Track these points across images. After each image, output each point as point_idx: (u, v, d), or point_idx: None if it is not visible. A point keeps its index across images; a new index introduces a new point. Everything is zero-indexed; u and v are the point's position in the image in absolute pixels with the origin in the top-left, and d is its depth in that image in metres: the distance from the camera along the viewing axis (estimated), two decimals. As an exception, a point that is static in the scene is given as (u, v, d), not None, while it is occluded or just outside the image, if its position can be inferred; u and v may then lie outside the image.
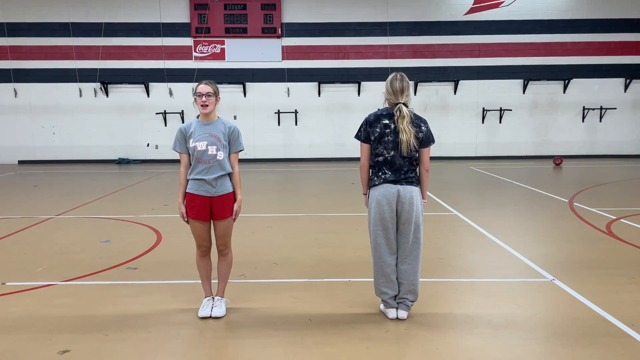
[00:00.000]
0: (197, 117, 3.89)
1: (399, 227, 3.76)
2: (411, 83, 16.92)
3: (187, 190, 3.85)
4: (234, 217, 3.93)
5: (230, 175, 3.88)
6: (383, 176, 3.73)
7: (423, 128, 3.74)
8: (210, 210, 3.84)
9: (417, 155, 3.79)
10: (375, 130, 3.70)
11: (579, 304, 4.12)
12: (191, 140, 3.77)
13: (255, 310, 4.06)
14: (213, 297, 4.01)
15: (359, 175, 4.02)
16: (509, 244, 5.97)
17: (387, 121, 3.68)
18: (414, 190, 3.73)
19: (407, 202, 3.69)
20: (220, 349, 3.45)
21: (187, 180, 3.86)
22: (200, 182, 3.78)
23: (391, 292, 3.82)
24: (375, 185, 3.77)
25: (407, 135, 3.63)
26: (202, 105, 3.78)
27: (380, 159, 3.74)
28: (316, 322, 3.83)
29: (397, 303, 3.86)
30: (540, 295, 4.38)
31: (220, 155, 3.77)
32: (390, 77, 3.76)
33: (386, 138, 3.68)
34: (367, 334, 3.60)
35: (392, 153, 3.69)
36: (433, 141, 3.83)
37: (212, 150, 3.75)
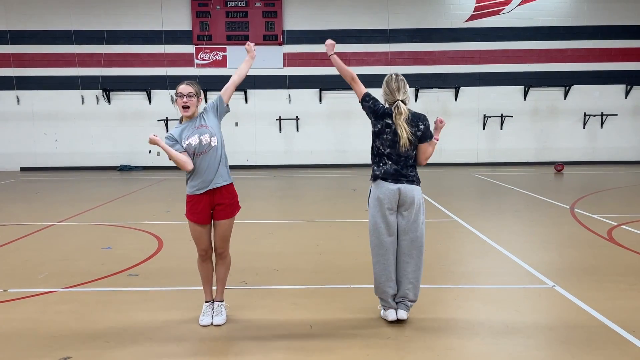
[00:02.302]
0: (180, 122, 3.83)
1: (399, 226, 3.80)
2: (412, 90, 17.11)
3: (188, 192, 3.82)
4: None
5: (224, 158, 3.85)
6: (384, 167, 3.80)
7: (421, 126, 3.81)
8: (211, 213, 3.83)
9: (415, 153, 3.84)
10: (377, 125, 3.80)
11: (579, 310, 4.12)
12: (184, 141, 3.72)
13: (256, 316, 4.06)
14: (213, 302, 4.00)
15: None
16: (509, 251, 5.97)
17: (389, 120, 3.77)
18: (415, 189, 3.79)
19: (408, 201, 3.75)
20: (221, 356, 3.45)
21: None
22: (200, 177, 3.73)
23: (391, 291, 3.84)
24: (377, 177, 3.81)
25: (404, 132, 3.69)
26: (183, 107, 3.72)
27: (382, 152, 3.83)
28: (317, 328, 3.83)
29: (397, 303, 3.87)
30: (541, 301, 4.37)
31: (215, 140, 3.74)
32: (386, 78, 3.90)
33: (385, 136, 3.78)
34: (368, 341, 3.60)
35: (388, 150, 3.78)
36: (431, 137, 3.89)
37: (205, 138, 3.70)
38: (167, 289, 4.75)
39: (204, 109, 3.89)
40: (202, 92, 3.89)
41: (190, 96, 3.72)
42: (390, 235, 3.80)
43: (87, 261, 5.70)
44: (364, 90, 3.96)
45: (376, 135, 3.83)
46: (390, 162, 3.78)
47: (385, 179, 3.77)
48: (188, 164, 3.70)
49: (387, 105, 3.87)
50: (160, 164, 17.13)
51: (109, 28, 16.59)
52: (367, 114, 3.92)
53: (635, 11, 16.85)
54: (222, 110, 3.93)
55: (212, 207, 3.81)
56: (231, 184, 3.90)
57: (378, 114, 3.82)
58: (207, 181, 3.75)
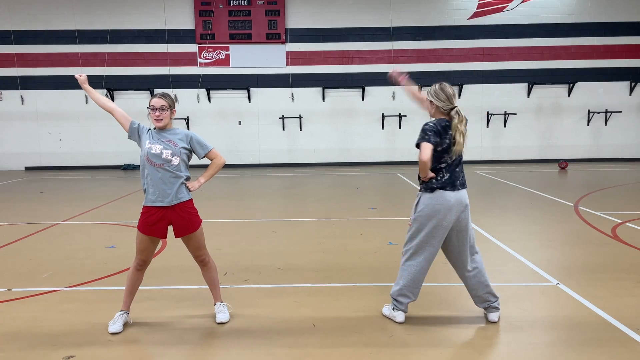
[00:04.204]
0: (154, 128, 3.80)
1: (456, 234, 3.74)
2: (415, 88, 17.08)
3: (144, 204, 3.71)
4: (190, 189, 3.75)
5: (185, 180, 3.75)
6: (442, 179, 3.72)
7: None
8: (167, 227, 3.71)
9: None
10: (445, 142, 3.66)
11: (583, 308, 4.11)
12: (148, 142, 3.69)
13: (259, 315, 4.06)
14: (126, 313, 3.85)
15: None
16: (513, 248, 5.96)
17: (451, 132, 3.68)
18: (465, 192, 3.79)
19: (463, 209, 3.72)
20: (224, 354, 3.46)
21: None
22: (153, 191, 3.64)
23: (412, 298, 3.84)
24: (434, 188, 3.71)
25: (462, 138, 3.65)
26: (155, 120, 3.69)
27: (443, 165, 3.73)
28: (320, 327, 3.83)
29: (485, 308, 3.87)
30: (545, 299, 4.36)
31: (176, 160, 3.67)
32: (435, 87, 3.72)
33: (451, 148, 3.69)
34: (371, 339, 3.60)
35: (453, 158, 3.72)
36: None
37: (167, 154, 3.64)
38: (170, 287, 4.77)
39: (190, 134, 3.79)
40: (175, 104, 3.85)
41: (163, 109, 3.69)
42: (435, 246, 3.74)
43: (90, 260, 5.72)
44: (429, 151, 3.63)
45: (444, 151, 3.68)
46: (448, 174, 3.72)
47: (443, 188, 3.69)
48: (114, 111, 3.96)
49: (435, 117, 3.78)
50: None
51: (112, 28, 16.62)
52: (438, 143, 3.63)
53: (639, 7, 16.76)
54: (195, 152, 3.82)
55: (169, 223, 3.71)
56: (190, 200, 3.78)
57: (439, 129, 3.65)
58: (165, 195, 3.64)
